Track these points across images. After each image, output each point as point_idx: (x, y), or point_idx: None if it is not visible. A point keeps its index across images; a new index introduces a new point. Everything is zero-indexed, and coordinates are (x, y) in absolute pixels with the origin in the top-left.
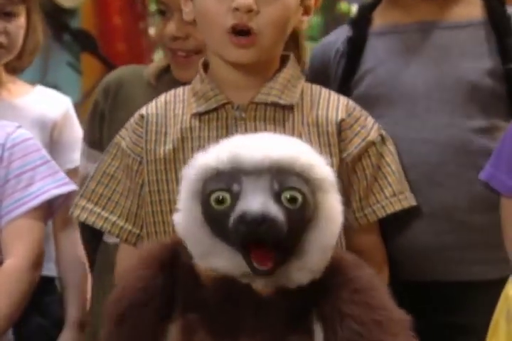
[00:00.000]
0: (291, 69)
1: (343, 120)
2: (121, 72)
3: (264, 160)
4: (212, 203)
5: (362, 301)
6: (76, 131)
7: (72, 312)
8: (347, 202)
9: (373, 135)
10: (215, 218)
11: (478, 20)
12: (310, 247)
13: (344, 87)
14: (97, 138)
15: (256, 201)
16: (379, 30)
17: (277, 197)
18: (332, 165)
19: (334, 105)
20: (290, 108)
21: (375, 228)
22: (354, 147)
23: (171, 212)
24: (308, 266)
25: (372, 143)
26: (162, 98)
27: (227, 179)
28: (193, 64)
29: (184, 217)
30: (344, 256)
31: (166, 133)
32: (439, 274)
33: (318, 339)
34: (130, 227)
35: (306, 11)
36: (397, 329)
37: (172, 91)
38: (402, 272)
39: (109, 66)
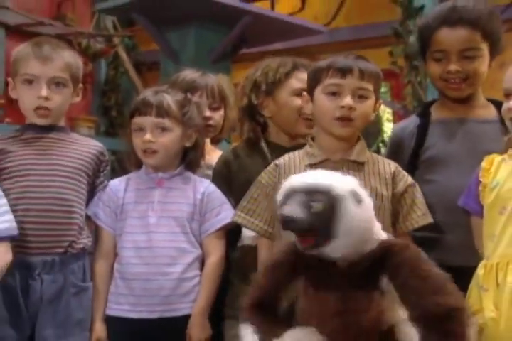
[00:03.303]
0: (362, 142)
1: (394, 171)
2: (231, 150)
3: (301, 185)
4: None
5: (419, 275)
6: None
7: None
8: (396, 218)
9: (410, 181)
10: None
11: (494, 119)
12: (339, 233)
13: (415, 154)
14: (225, 192)
15: (288, 208)
16: (435, 121)
17: (306, 204)
18: (388, 197)
19: (387, 163)
20: (362, 164)
21: (409, 234)
22: (400, 187)
23: None
24: (341, 244)
25: (410, 185)
26: (287, 156)
27: (288, 197)
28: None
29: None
30: (395, 242)
31: (290, 176)
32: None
33: (391, 293)
34: (266, 228)
35: (375, 110)
36: (447, 289)
37: (292, 152)
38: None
39: None
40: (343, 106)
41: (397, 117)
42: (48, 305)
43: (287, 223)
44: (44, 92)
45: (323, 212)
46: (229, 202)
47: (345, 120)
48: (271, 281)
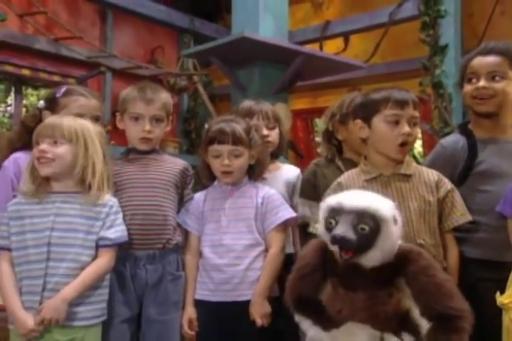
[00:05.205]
0: (410, 159)
1: (437, 179)
2: (314, 163)
3: (352, 207)
4: (328, 224)
5: (433, 282)
6: None
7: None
8: (439, 219)
9: (450, 186)
10: (328, 230)
11: None
12: (377, 248)
13: (469, 167)
14: (313, 195)
15: (341, 229)
16: (480, 139)
17: (355, 227)
18: (434, 202)
19: (430, 172)
20: (409, 176)
21: (451, 231)
22: (442, 192)
23: None
24: (376, 255)
25: (450, 190)
26: (346, 174)
27: (335, 213)
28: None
29: (320, 227)
30: (410, 249)
31: (350, 191)
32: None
33: (406, 292)
34: None
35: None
36: (455, 295)
37: (350, 171)
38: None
39: (301, 156)
40: (403, 134)
41: (425, 136)
42: (151, 289)
43: (339, 241)
44: (147, 127)
45: (370, 233)
46: (287, 203)
47: (403, 145)
48: (307, 285)
